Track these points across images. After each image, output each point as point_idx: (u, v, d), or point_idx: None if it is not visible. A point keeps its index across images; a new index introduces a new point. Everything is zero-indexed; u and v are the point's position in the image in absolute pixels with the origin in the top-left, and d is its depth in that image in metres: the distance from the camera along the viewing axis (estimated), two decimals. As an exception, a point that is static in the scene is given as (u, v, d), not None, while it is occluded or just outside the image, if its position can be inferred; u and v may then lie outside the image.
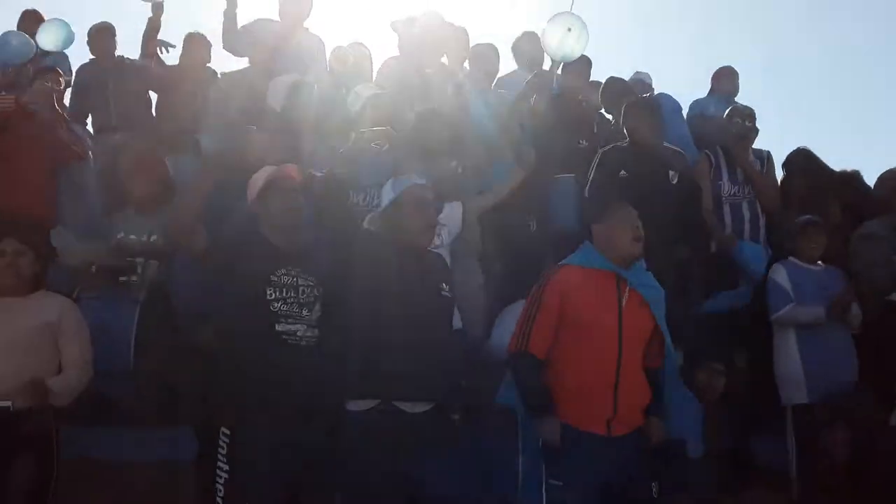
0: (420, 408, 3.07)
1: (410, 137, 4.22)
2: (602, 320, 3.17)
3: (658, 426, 3.25)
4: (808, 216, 4.56)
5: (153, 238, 4.05)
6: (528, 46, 5.55)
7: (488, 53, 5.31)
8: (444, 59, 5.19)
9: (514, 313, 3.65)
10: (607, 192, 4.17)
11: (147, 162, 4.38)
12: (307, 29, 5.29)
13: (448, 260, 3.76)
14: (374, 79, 5.15)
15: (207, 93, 5.20)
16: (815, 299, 4.30)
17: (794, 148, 5.12)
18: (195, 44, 5.62)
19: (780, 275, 4.41)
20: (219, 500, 3.00)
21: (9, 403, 3.11)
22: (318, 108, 4.37)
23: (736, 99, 5.75)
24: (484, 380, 3.72)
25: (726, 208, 4.83)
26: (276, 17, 5.21)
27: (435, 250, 3.52)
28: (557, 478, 3.14)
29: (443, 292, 3.24)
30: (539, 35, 4.98)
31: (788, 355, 4.30)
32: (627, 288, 3.23)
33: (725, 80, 6.08)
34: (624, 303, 3.21)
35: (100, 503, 3.65)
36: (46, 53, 5.49)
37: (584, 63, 5.29)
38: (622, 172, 4.31)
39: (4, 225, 3.86)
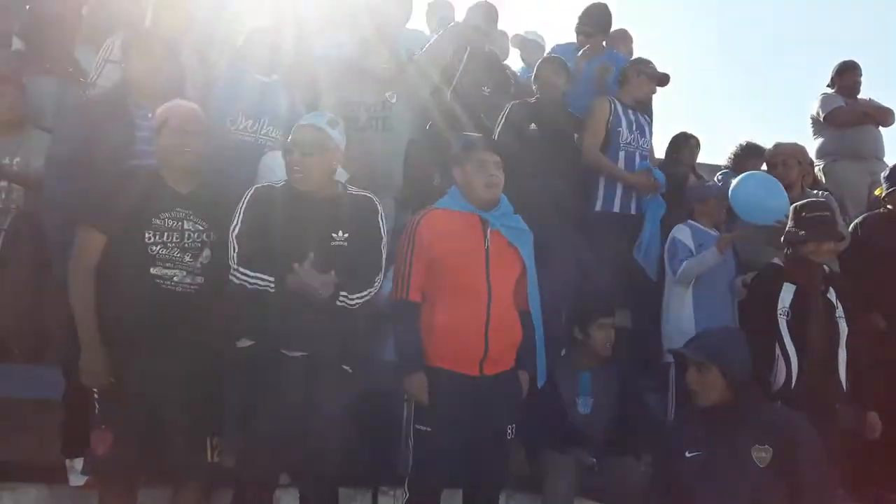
0: (298, 353, 2.97)
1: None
2: (469, 262, 3.19)
3: (525, 380, 3.33)
4: (713, 183, 4.60)
5: (17, 161, 3.81)
6: None
7: None
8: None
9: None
10: (511, 146, 4.12)
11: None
12: None
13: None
14: None
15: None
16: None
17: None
18: None
19: (685, 234, 4.44)
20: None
21: None
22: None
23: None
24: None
25: (621, 155, 4.75)
26: None
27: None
28: (425, 423, 3.12)
29: (334, 241, 3.03)
30: None
31: (682, 312, 4.35)
32: (489, 229, 3.25)
33: (621, 43, 5.93)
34: (489, 244, 3.23)
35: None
36: None
37: (490, 8, 5.13)
38: (532, 126, 4.33)
39: None
